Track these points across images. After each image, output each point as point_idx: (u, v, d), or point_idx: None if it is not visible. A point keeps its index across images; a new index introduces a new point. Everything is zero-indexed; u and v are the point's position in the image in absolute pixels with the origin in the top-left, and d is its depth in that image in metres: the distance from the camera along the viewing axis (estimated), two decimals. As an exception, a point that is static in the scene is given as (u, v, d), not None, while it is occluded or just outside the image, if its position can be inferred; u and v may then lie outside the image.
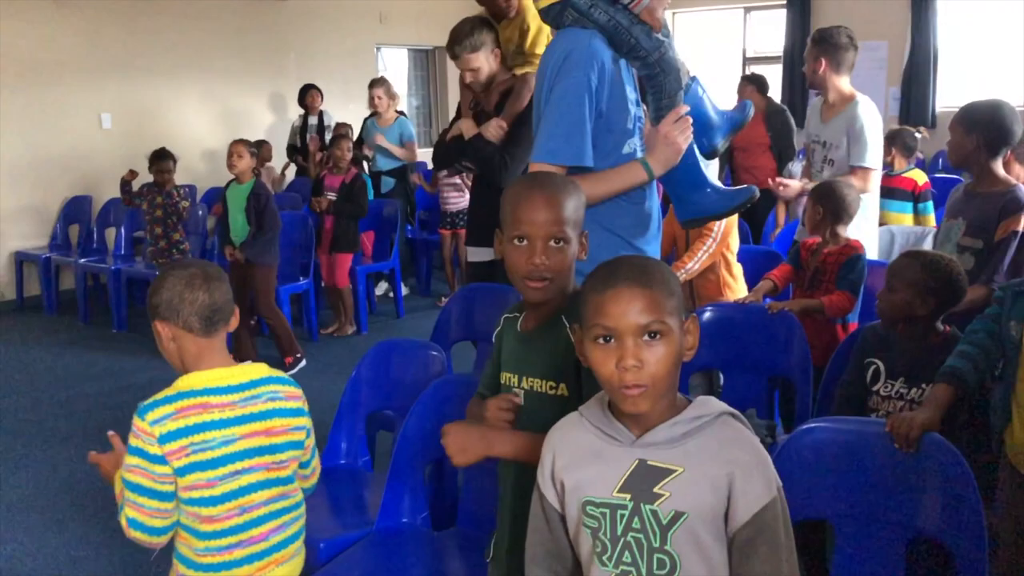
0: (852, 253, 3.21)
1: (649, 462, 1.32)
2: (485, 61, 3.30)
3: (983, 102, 2.96)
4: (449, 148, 3.51)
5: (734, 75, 10.71)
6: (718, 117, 2.46)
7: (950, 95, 9.51)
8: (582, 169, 2.16)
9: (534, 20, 3.36)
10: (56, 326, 6.69)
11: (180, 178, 6.80)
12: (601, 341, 1.31)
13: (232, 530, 1.80)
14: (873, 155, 3.65)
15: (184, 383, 1.81)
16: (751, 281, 3.80)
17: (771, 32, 10.64)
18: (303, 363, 5.31)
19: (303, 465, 1.97)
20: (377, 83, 7.11)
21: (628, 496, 1.31)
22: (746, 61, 10.86)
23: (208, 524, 1.79)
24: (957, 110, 2.98)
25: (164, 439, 1.72)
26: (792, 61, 10.02)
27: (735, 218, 3.54)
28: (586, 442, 1.38)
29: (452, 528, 2.49)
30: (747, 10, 10.75)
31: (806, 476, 2.03)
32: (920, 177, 4.57)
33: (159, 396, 1.78)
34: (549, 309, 1.68)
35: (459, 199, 6.74)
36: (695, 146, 2.40)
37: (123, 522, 1.77)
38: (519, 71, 3.41)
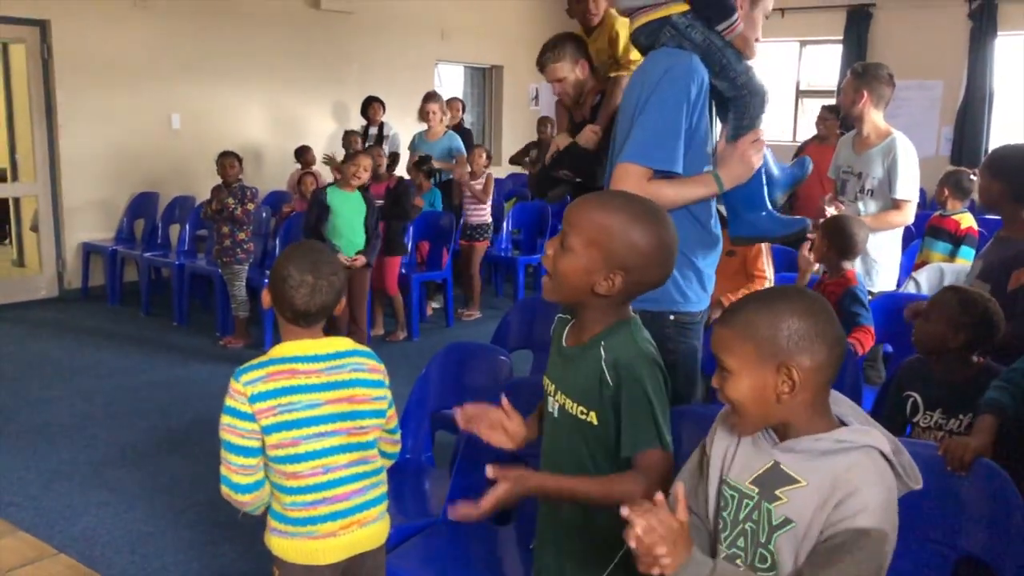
0: (846, 286, 3.34)
1: (782, 466, 1.42)
2: (570, 71, 3.40)
3: (1011, 147, 3.00)
4: (547, 167, 3.58)
5: (788, 107, 10.84)
6: (779, 172, 2.55)
7: (1003, 135, 9.52)
8: (668, 174, 2.25)
9: (622, 27, 3.44)
10: (119, 316, 6.95)
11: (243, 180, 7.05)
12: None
13: (316, 487, 1.96)
14: (911, 189, 3.84)
15: (276, 351, 1.99)
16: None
17: (825, 66, 10.72)
18: None
19: (391, 431, 2.15)
20: (432, 98, 7.24)
21: (757, 490, 1.43)
22: (799, 94, 10.94)
23: (293, 480, 1.95)
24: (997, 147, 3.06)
25: (254, 399, 1.91)
26: (845, 95, 10.07)
27: (767, 245, 3.64)
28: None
29: (511, 523, 2.62)
30: (803, 44, 10.84)
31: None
32: (966, 220, 4.65)
33: (254, 362, 1.96)
34: (590, 333, 1.69)
35: (481, 212, 6.96)
36: (763, 169, 2.51)
37: (220, 484, 1.98)
38: (613, 74, 3.49)
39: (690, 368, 2.43)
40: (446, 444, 3.19)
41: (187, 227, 7.16)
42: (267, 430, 1.92)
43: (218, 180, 6.03)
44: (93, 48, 7.30)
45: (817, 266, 3.57)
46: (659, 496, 1.35)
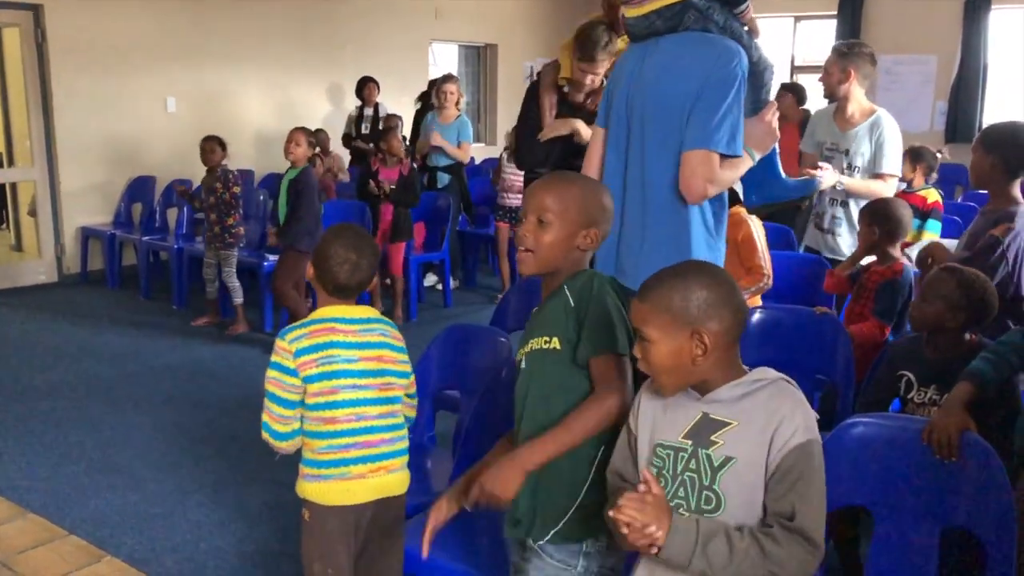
0: (891, 277, 3.31)
1: (711, 415, 1.57)
2: (608, 67, 3.48)
3: (1004, 123, 3.08)
4: (550, 148, 3.65)
5: (782, 82, 10.83)
6: (773, 178, 2.64)
7: (997, 111, 9.55)
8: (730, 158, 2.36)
9: None
10: (119, 300, 7.00)
11: (238, 163, 7.09)
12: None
13: (350, 432, 2.19)
14: (895, 164, 3.95)
15: (317, 314, 2.26)
16: (796, 288, 3.97)
17: (820, 41, 10.72)
18: None
19: (410, 396, 2.40)
20: (451, 79, 7.18)
21: (690, 442, 1.57)
22: (794, 69, 10.95)
23: (331, 424, 2.18)
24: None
25: (298, 353, 2.16)
26: (840, 71, 10.08)
27: (764, 238, 3.66)
28: (664, 398, 1.65)
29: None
30: (797, 19, 10.83)
31: (849, 466, 2.18)
32: (932, 195, 4.74)
33: (297, 323, 2.24)
34: (556, 283, 1.89)
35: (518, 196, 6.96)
36: (776, 146, 2.62)
37: (261, 430, 2.24)
38: None
39: None
40: (448, 423, 3.25)
41: (185, 210, 7.18)
42: (309, 379, 2.16)
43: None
44: (87, 32, 7.30)
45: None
46: (646, 473, 1.52)
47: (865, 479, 2.19)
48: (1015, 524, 2.01)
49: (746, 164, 2.44)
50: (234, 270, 5.98)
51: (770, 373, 1.59)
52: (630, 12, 2.47)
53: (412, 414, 2.45)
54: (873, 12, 10.06)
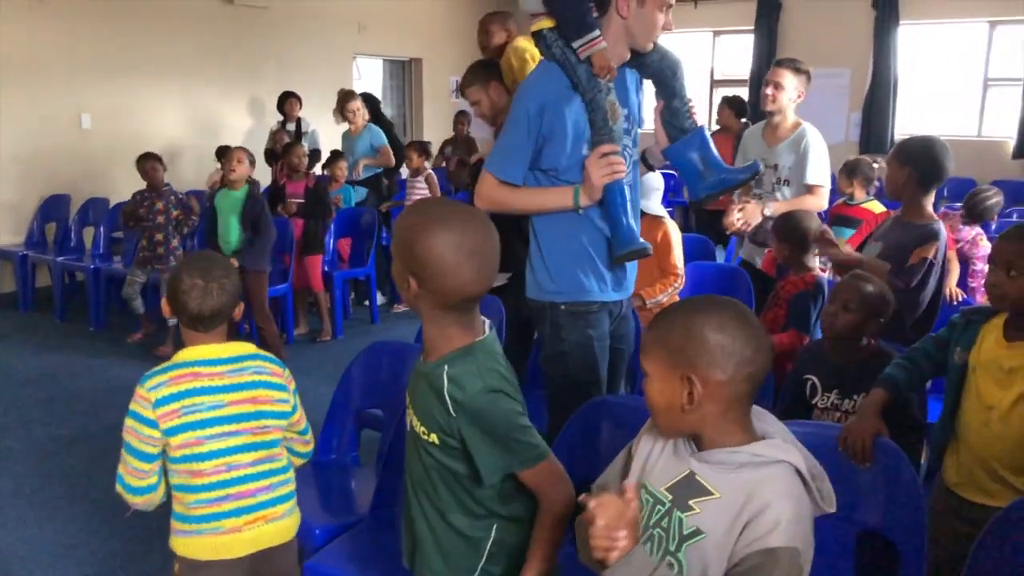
0: (804, 287, 3.36)
1: (697, 476, 1.42)
2: (482, 94, 3.53)
3: (918, 137, 3.18)
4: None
5: (703, 96, 11.07)
6: (715, 168, 2.61)
7: (909, 122, 9.90)
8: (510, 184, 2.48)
9: (514, 55, 3.55)
10: (32, 323, 6.75)
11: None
12: None
13: (220, 484, 2.04)
14: (823, 174, 4.00)
15: (179, 356, 2.08)
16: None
17: (739, 56, 10.98)
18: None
19: (302, 432, 2.24)
20: (351, 96, 7.21)
21: (671, 497, 1.44)
22: (714, 83, 11.19)
23: (198, 478, 2.02)
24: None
25: (159, 403, 1.98)
26: (758, 84, 10.35)
27: (679, 240, 3.71)
28: (664, 440, 1.52)
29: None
30: (716, 34, 11.08)
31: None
32: (877, 207, 4.86)
33: (158, 367, 2.05)
34: (434, 351, 1.66)
35: None
36: (703, 130, 2.62)
37: (115, 481, 2.05)
38: None
39: (586, 356, 2.55)
40: (372, 442, 3.22)
41: (102, 229, 6.98)
42: (170, 432, 1.99)
43: (134, 181, 5.90)
44: (-4, 46, 7.06)
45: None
46: (629, 484, 1.43)
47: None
48: (926, 526, 2.06)
49: (560, 199, 2.46)
50: None
51: (777, 451, 1.40)
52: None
53: (306, 450, 2.29)
54: (789, 27, 10.35)
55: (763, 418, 1.49)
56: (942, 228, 3.07)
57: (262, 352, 2.16)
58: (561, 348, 2.55)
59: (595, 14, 2.42)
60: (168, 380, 2.01)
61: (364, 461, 3.14)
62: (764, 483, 1.36)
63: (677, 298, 3.63)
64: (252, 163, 5.38)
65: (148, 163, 5.75)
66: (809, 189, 3.97)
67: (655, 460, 1.50)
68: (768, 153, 4.10)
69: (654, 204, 3.61)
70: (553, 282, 2.53)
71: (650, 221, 3.49)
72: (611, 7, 2.42)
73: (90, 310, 6.55)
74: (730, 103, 7.27)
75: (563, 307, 2.53)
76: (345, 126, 7.49)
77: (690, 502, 1.40)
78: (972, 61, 9.69)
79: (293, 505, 2.18)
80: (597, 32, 2.38)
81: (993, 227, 5.31)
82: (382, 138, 7.25)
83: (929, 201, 3.12)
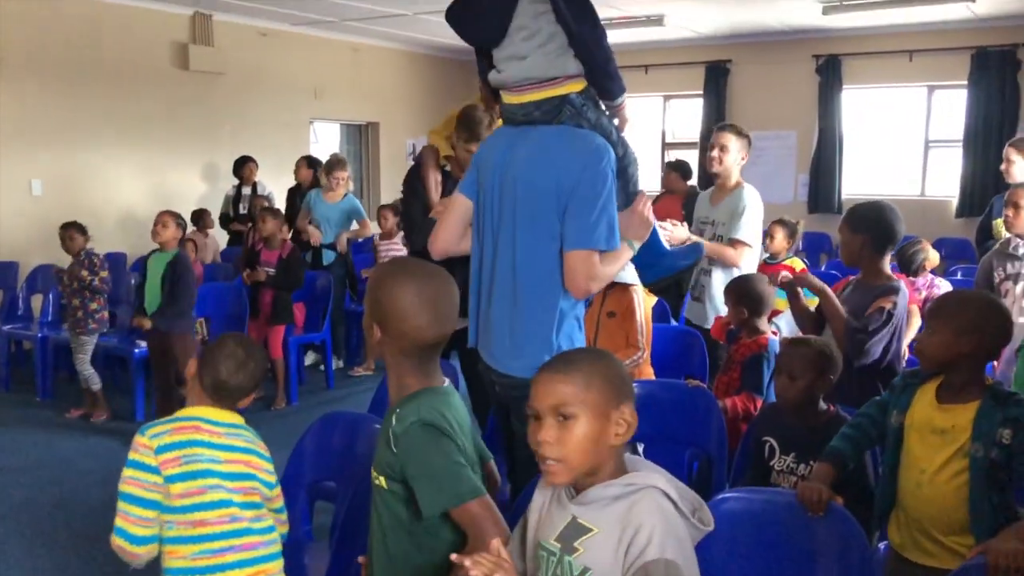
0: (757, 350, 3.41)
1: (578, 519, 1.52)
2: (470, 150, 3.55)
3: (867, 204, 3.27)
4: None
5: (655, 158, 11.29)
6: (669, 257, 2.75)
7: (855, 183, 10.17)
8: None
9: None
10: (-24, 394, 6.57)
11: (109, 246, 6.86)
12: (532, 419, 1.55)
13: (225, 534, 2.08)
14: (751, 233, 4.11)
15: (182, 412, 2.20)
16: (672, 360, 4.07)
17: (689, 119, 11.24)
18: None
19: (278, 511, 2.28)
20: (340, 165, 7.12)
21: (559, 546, 1.53)
22: (665, 146, 11.42)
23: (202, 528, 2.07)
24: (854, 203, 3.31)
25: (160, 450, 2.06)
26: (707, 145, 10.57)
27: (648, 316, 3.75)
28: (551, 493, 1.61)
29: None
30: (666, 98, 11.35)
31: (722, 540, 2.22)
32: (798, 264, 5.00)
33: (160, 420, 2.16)
34: (393, 398, 1.79)
35: None
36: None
37: (112, 536, 2.06)
38: None
39: None
40: (323, 514, 3.16)
41: (50, 296, 6.86)
42: (171, 479, 2.06)
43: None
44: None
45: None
46: (495, 542, 1.48)
47: (737, 551, 2.23)
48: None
49: (627, 255, 2.55)
50: (87, 357, 5.73)
51: (646, 478, 1.52)
52: (509, 99, 2.55)
53: (283, 530, 2.32)
54: (736, 91, 10.65)
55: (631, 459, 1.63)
56: (903, 285, 3.15)
57: (251, 429, 2.29)
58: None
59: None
60: (171, 429, 2.10)
61: (318, 536, 3.08)
62: (635, 507, 1.47)
63: (641, 373, 3.66)
64: (180, 226, 5.39)
65: (65, 232, 5.75)
66: (732, 243, 4.09)
67: (545, 514, 1.60)
68: (711, 211, 4.26)
69: (627, 272, 3.64)
70: (527, 356, 2.45)
71: (619, 291, 3.51)
72: None
73: (37, 379, 6.39)
74: (674, 167, 7.50)
75: None
76: (289, 182, 7.49)
77: (575, 544, 1.50)
78: (913, 123, 10.03)
79: (282, 565, 2.24)
80: (626, 94, 2.55)
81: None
82: (362, 210, 7.22)
83: (886, 263, 3.20)
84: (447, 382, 1.84)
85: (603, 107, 2.55)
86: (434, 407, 1.74)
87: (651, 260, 2.79)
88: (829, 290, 3.15)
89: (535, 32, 2.44)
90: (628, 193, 2.60)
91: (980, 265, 4.07)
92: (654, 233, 2.69)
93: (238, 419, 2.25)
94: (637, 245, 2.57)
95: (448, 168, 3.84)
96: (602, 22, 2.49)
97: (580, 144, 2.42)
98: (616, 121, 2.61)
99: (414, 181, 3.99)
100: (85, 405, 5.93)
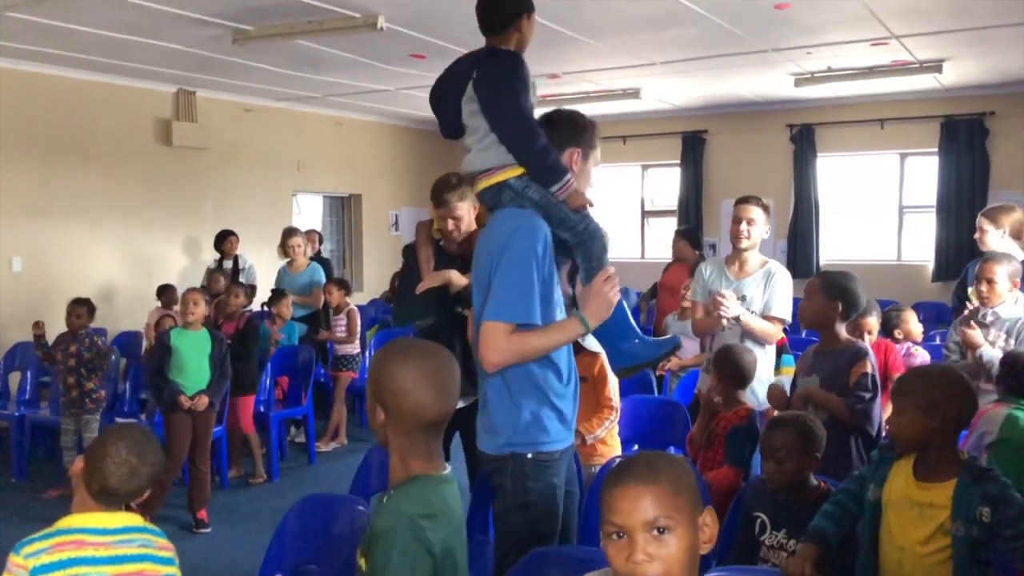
0: (738, 422, 3.42)
1: None
2: (467, 212, 3.60)
3: (841, 272, 3.36)
4: (427, 301, 3.68)
5: (635, 226, 11.43)
6: (637, 341, 2.67)
7: (833, 248, 10.31)
8: (528, 326, 2.40)
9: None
10: (-51, 474, 6.43)
11: (90, 322, 6.78)
12: (614, 537, 1.42)
13: None
14: (787, 308, 4.08)
15: (63, 523, 2.01)
16: (654, 432, 4.06)
17: (667, 187, 11.40)
18: (209, 528, 5.14)
19: None
20: (294, 232, 7.31)
21: None
22: (644, 214, 11.56)
23: None
24: (826, 270, 3.37)
25: (36, 571, 1.87)
26: (686, 214, 10.74)
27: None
28: None
29: None
30: (644, 167, 11.52)
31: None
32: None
33: (37, 535, 1.95)
34: (391, 481, 1.78)
35: (349, 343, 7.12)
36: (624, 302, 2.67)
37: None
38: None
39: (550, 505, 2.52)
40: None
41: (29, 374, 6.78)
42: None
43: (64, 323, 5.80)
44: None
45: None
46: None
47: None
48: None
49: (572, 330, 2.49)
50: (95, 436, 5.63)
51: None
52: (476, 190, 2.68)
53: None
54: (712, 160, 10.84)
55: None
56: (865, 345, 3.20)
57: (150, 525, 2.13)
58: (526, 499, 2.48)
59: None
60: (49, 547, 1.93)
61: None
62: None
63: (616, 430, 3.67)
64: (208, 302, 5.46)
65: (74, 308, 5.73)
66: (770, 319, 4.03)
67: None
68: (735, 286, 4.13)
69: (591, 341, 3.66)
70: (517, 433, 2.48)
71: (588, 356, 3.53)
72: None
73: (12, 459, 6.28)
74: (683, 235, 7.50)
75: (530, 456, 2.47)
76: (275, 257, 7.56)
77: None
78: (887, 190, 10.22)
79: None
80: (570, 175, 2.52)
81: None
82: (322, 279, 7.28)
83: (843, 328, 3.28)
84: (448, 469, 1.82)
85: None
86: (424, 500, 1.73)
87: (620, 343, 2.69)
88: (832, 398, 3.15)
89: (474, 128, 2.59)
90: (589, 269, 2.59)
91: (949, 333, 4.14)
92: (621, 315, 2.60)
93: (131, 520, 2.09)
94: (592, 322, 2.50)
95: (441, 242, 3.87)
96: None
97: (503, 224, 2.49)
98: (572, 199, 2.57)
99: (409, 259, 4.04)
100: (64, 486, 5.80)
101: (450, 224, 3.67)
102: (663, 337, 2.79)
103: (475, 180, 2.62)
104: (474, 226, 3.69)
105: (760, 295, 4.08)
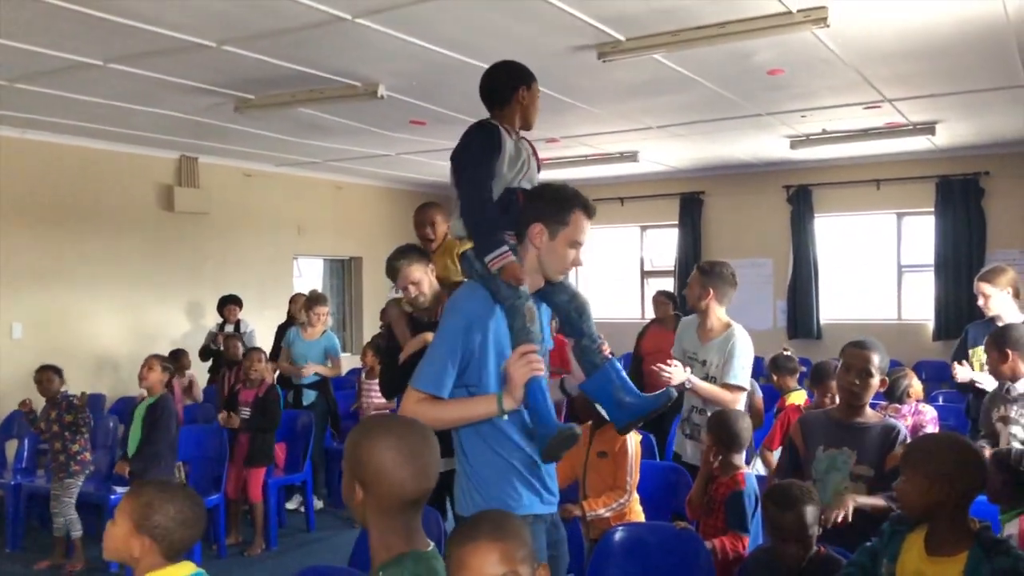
0: (735, 488, 3.39)
1: None
2: (424, 274, 3.65)
3: (866, 340, 3.22)
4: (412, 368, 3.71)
5: (635, 286, 11.46)
6: (632, 397, 2.65)
7: (833, 308, 10.31)
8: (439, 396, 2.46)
9: (452, 256, 3.70)
10: (-57, 545, 6.33)
11: (88, 388, 6.75)
12: None
13: None
14: (745, 377, 4.08)
15: None
16: (658, 498, 4.01)
17: (667, 247, 11.45)
18: None
19: None
20: (322, 301, 7.18)
21: None
22: (644, 274, 11.60)
23: None
24: (853, 339, 3.25)
25: None
26: (684, 274, 10.75)
27: (637, 455, 3.75)
28: None
29: None
30: (643, 228, 11.60)
31: None
32: (801, 397, 4.97)
33: None
34: (375, 557, 1.76)
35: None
36: (615, 363, 2.67)
37: None
38: None
39: None
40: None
41: (25, 442, 6.73)
42: None
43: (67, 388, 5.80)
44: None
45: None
46: None
47: None
48: None
49: (484, 407, 2.45)
50: (73, 501, 5.59)
51: None
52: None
53: None
54: (711, 220, 10.91)
55: None
56: (898, 424, 3.12)
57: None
58: None
59: (514, 241, 2.57)
60: None
61: None
62: None
63: (631, 512, 3.64)
64: (167, 370, 5.44)
65: (42, 375, 5.74)
66: (726, 387, 4.04)
67: None
68: (699, 349, 4.21)
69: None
70: (486, 501, 2.48)
71: (610, 432, 3.49)
72: (526, 237, 2.55)
73: (7, 529, 6.19)
74: (668, 296, 7.51)
75: None
76: (276, 320, 7.49)
77: None
78: (885, 249, 10.26)
79: None
80: (506, 248, 2.53)
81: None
82: (338, 348, 7.22)
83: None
84: (431, 546, 1.81)
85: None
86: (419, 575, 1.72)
87: (615, 401, 2.65)
88: (880, 505, 2.90)
89: (455, 198, 2.68)
90: (517, 340, 2.53)
91: (982, 409, 4.01)
92: (537, 400, 2.45)
93: (192, 568, 2.17)
94: (508, 402, 2.42)
95: (413, 313, 3.92)
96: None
97: (453, 296, 2.62)
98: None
99: (389, 337, 4.14)
100: (54, 556, 5.72)
101: (411, 290, 3.73)
102: (657, 392, 2.76)
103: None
104: (437, 286, 3.75)
105: (719, 360, 4.10)
